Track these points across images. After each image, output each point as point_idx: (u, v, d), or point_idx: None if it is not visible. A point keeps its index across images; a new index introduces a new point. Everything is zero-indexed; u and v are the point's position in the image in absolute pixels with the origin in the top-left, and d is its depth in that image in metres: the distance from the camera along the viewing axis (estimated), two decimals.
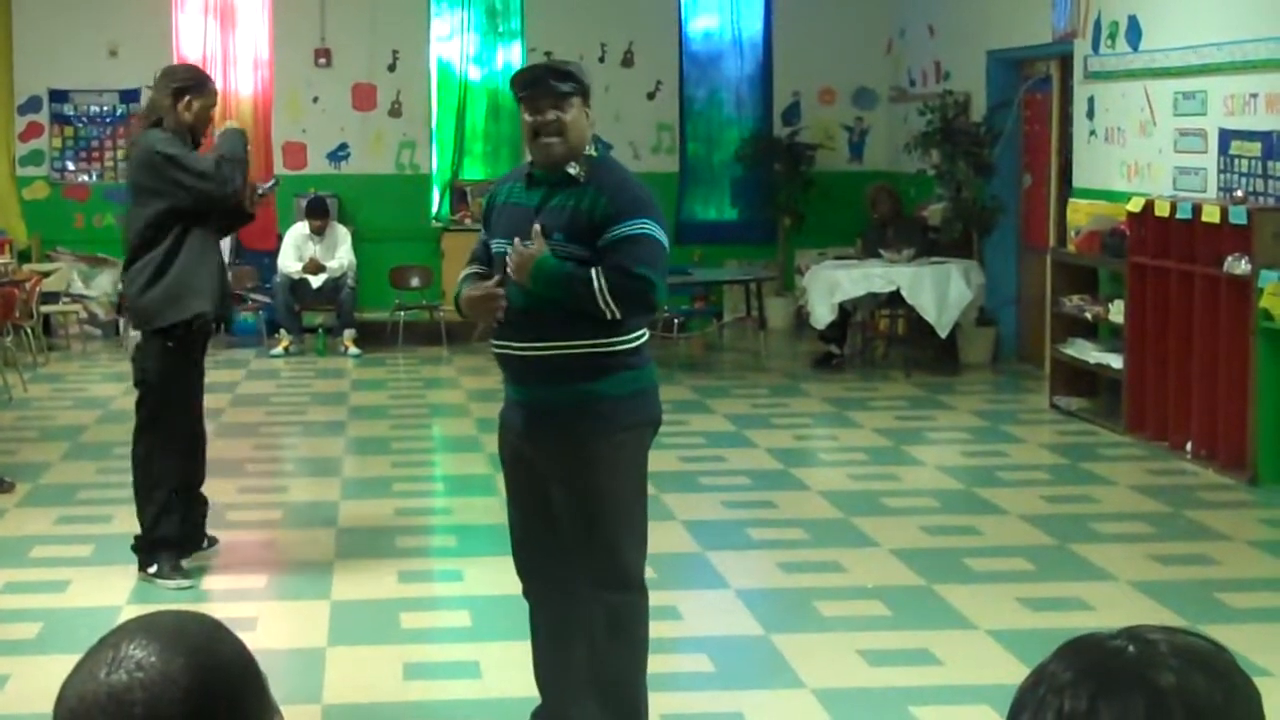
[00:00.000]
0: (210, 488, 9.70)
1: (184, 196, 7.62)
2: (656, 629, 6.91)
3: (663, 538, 8.26)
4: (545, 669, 5.54)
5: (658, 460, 10.21)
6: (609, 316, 5.11)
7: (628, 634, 5.31)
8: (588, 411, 5.18)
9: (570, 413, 5.19)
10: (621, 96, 16.96)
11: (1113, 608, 7.06)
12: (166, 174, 7.58)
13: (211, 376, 13.96)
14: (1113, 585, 7.57)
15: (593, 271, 5.09)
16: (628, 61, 17.02)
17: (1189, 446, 10.21)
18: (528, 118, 5.28)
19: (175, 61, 16.29)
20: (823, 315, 13.78)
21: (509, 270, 5.16)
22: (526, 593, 5.57)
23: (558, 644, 5.46)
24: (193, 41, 16.58)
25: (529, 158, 5.43)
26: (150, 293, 7.62)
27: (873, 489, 9.63)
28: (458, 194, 16.95)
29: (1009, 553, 8.17)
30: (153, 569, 7.71)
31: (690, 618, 7.10)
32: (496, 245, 5.33)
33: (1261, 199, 10.09)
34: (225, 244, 15.98)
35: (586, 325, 5.14)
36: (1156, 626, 1.65)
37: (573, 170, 5.23)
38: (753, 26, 17.33)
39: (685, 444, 10.71)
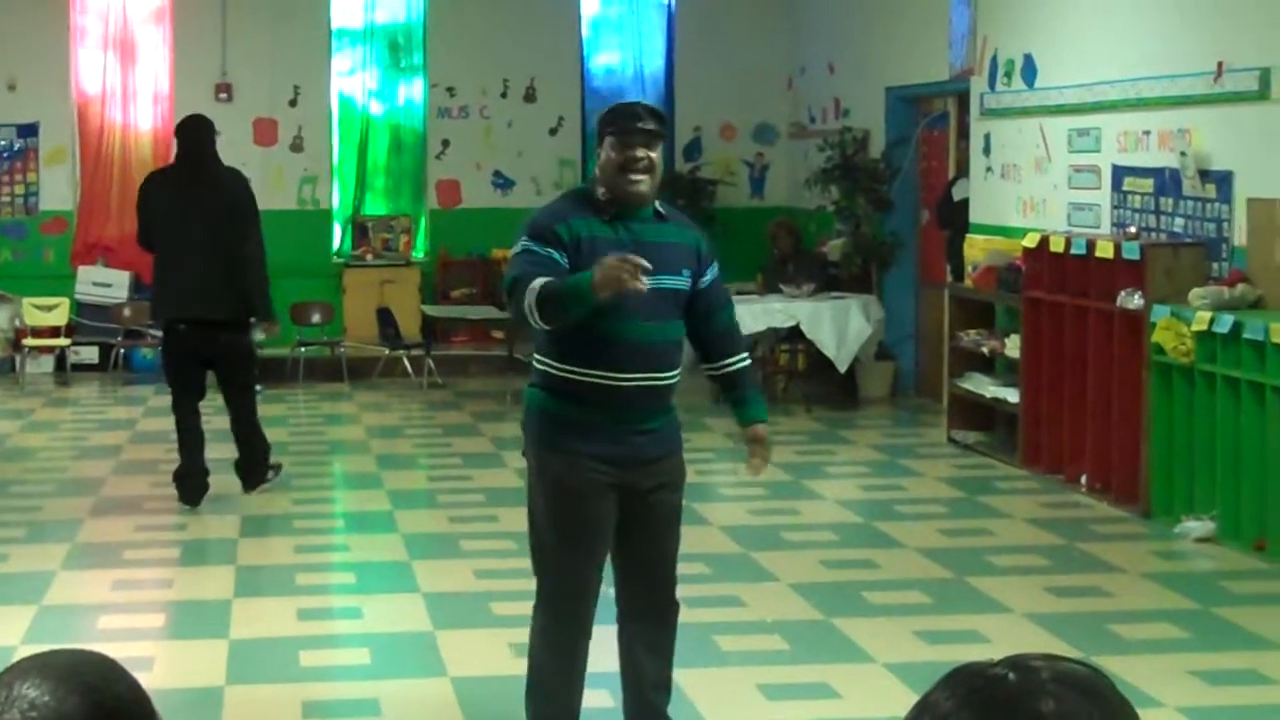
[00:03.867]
0: (107, 526, 9.65)
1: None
2: None
3: None
4: (576, 685, 5.69)
5: None
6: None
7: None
8: (678, 430, 5.71)
9: (675, 433, 5.66)
10: (524, 132, 17.00)
11: (1008, 640, 7.12)
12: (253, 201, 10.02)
13: (110, 413, 13.91)
14: (1008, 618, 7.65)
15: (746, 366, 5.78)
16: (530, 97, 17.06)
17: (1083, 480, 10.33)
18: (615, 154, 5.40)
19: (75, 92, 16.23)
20: None
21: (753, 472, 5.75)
22: (585, 619, 5.61)
23: (583, 659, 5.67)
24: (92, 76, 16.47)
25: (600, 190, 5.47)
26: (264, 290, 9.89)
27: (773, 523, 9.68)
28: (359, 229, 16.91)
29: (906, 586, 8.23)
30: (271, 474, 10.42)
31: (590, 653, 7.09)
32: None
33: (1154, 235, 10.24)
34: (124, 279, 16.00)
35: (681, 355, 5.57)
36: (1037, 655, 1.67)
37: (660, 209, 5.55)
38: (654, 62, 17.42)
39: None
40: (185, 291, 9.72)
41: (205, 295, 9.69)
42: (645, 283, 5.04)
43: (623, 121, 5.44)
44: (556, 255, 5.35)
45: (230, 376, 10.13)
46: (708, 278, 5.64)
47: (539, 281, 5.23)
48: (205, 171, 9.89)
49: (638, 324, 5.39)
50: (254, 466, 10.36)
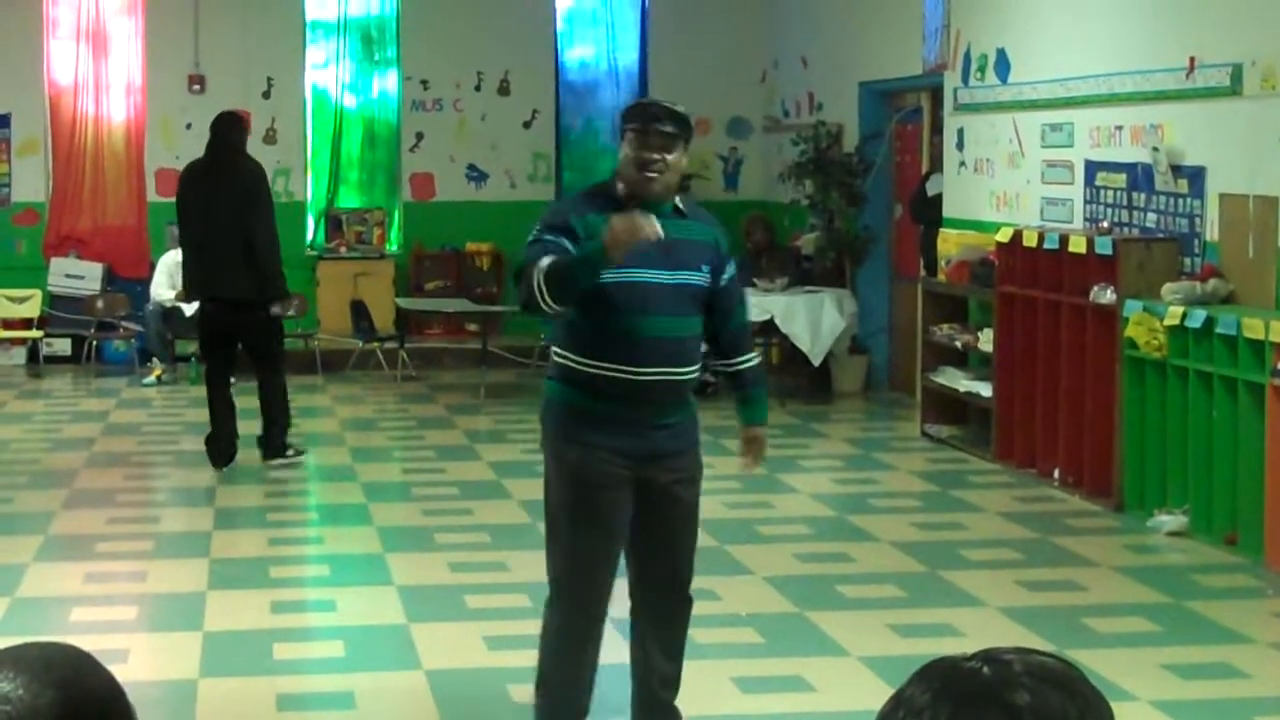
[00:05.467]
0: (80, 518, 9.64)
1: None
2: (531, 658, 6.92)
3: (538, 566, 8.24)
4: (585, 680, 5.72)
5: (535, 489, 10.22)
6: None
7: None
8: (696, 426, 5.73)
9: (693, 429, 5.71)
10: (498, 125, 16.99)
11: (982, 633, 7.14)
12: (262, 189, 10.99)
13: (83, 405, 13.87)
14: (982, 611, 7.67)
15: (755, 366, 5.82)
16: (504, 90, 17.05)
17: (1056, 473, 10.35)
18: (631, 151, 5.45)
19: (47, 83, 16.18)
20: None
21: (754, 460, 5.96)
22: (598, 618, 5.64)
23: (594, 655, 5.71)
24: (65, 67, 16.41)
25: (619, 185, 5.52)
26: (273, 272, 10.83)
27: (747, 517, 9.69)
28: (333, 222, 16.88)
29: (880, 579, 8.25)
30: (290, 451, 11.08)
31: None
32: (621, 275, 5.35)
33: (1126, 230, 10.27)
34: (97, 271, 15.96)
35: (701, 351, 5.60)
36: (1009, 648, 1.68)
37: (680, 205, 5.59)
38: (628, 56, 17.41)
39: None
40: (208, 274, 10.77)
41: (224, 277, 10.68)
42: (658, 228, 5.13)
43: (642, 121, 5.49)
44: (567, 243, 5.37)
45: (253, 350, 11.05)
46: (726, 275, 5.66)
47: (546, 260, 5.27)
48: (225, 163, 10.85)
49: (657, 318, 5.44)
50: (270, 438, 11.07)
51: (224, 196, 10.65)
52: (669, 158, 5.46)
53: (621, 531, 5.57)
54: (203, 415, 10.91)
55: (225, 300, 10.76)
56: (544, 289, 5.23)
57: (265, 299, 10.84)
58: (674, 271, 5.47)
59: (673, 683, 5.77)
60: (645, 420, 5.50)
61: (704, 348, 5.69)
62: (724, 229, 5.82)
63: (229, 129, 11.04)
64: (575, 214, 5.49)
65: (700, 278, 5.55)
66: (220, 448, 10.94)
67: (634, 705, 5.82)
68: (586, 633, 5.65)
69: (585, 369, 5.47)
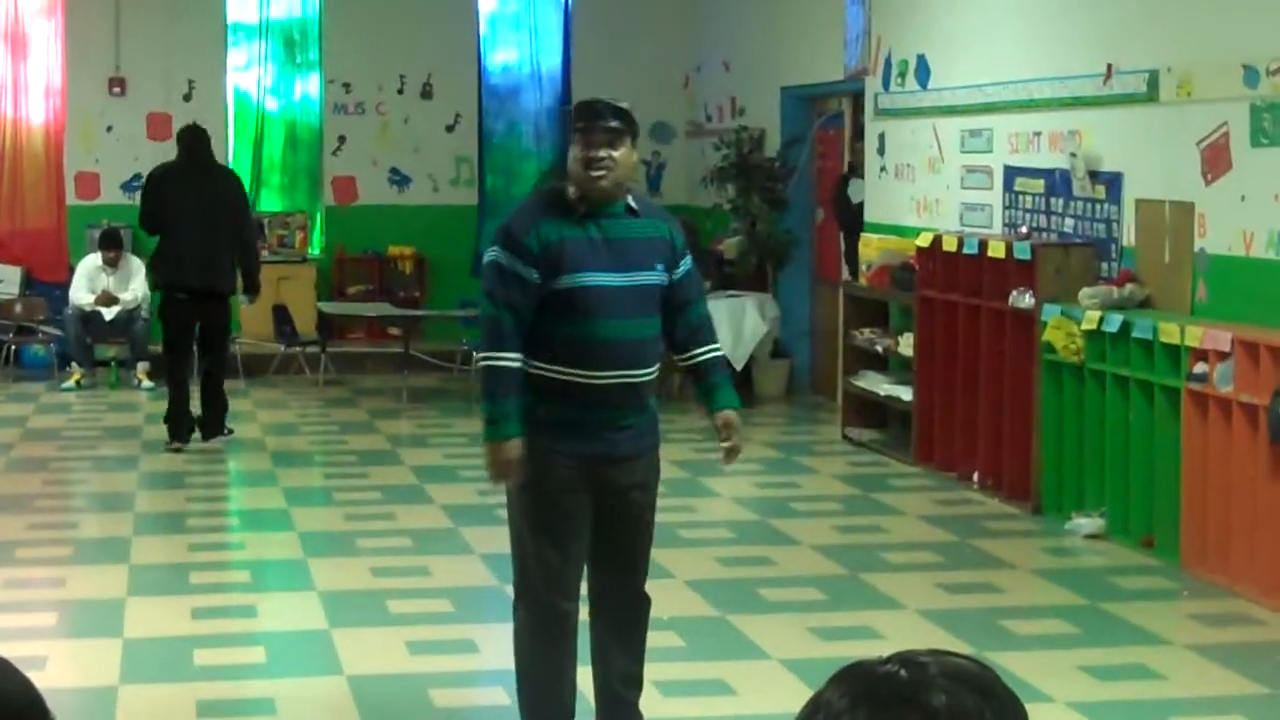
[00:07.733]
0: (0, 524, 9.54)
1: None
2: (453, 663, 6.93)
3: (461, 571, 8.26)
4: (565, 680, 5.72)
5: (457, 494, 10.22)
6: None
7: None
8: (656, 428, 5.76)
9: (653, 431, 5.73)
10: (420, 129, 16.95)
11: (902, 636, 7.18)
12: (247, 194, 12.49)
13: (1, 411, 13.73)
14: (902, 614, 7.72)
15: (717, 356, 5.79)
16: (427, 94, 17.01)
17: (975, 477, 10.43)
18: (579, 151, 5.48)
19: None
20: None
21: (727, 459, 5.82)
22: (567, 615, 5.64)
23: (570, 655, 5.70)
24: None
25: (571, 188, 5.55)
26: (259, 267, 12.24)
27: (669, 521, 9.66)
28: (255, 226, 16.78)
29: (801, 583, 8.29)
30: (227, 430, 12.01)
31: (486, 651, 7.10)
32: (575, 280, 5.43)
33: (1045, 235, 10.36)
34: (16, 274, 15.80)
35: (660, 351, 5.65)
36: (925, 650, 1.71)
37: (632, 204, 5.60)
38: (551, 60, 17.40)
39: (481, 477, 10.68)
40: (186, 265, 11.63)
41: (202, 269, 11.61)
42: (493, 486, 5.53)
43: (586, 119, 5.51)
44: (524, 273, 5.43)
45: (212, 338, 11.98)
46: (681, 270, 5.66)
47: (504, 364, 5.45)
48: (210, 170, 12.11)
49: (615, 322, 5.46)
50: (214, 420, 11.93)
51: (219, 200, 11.77)
52: (615, 154, 5.47)
53: (583, 531, 5.61)
54: (122, 420, 10.85)
55: (201, 292, 11.64)
56: (478, 373, 5.60)
57: (250, 290, 12.08)
58: (628, 273, 5.49)
59: (635, 682, 5.80)
60: (603, 424, 5.52)
61: (662, 347, 5.69)
62: (678, 223, 5.82)
63: (203, 140, 12.15)
64: (530, 229, 5.47)
65: (656, 276, 5.57)
66: (184, 423, 11.80)
67: (597, 709, 5.82)
68: (555, 634, 5.65)
69: (542, 374, 5.48)
